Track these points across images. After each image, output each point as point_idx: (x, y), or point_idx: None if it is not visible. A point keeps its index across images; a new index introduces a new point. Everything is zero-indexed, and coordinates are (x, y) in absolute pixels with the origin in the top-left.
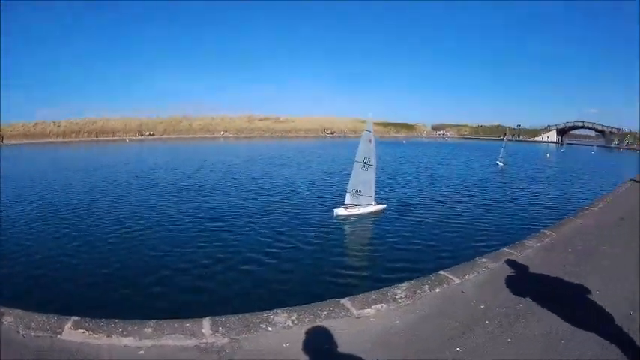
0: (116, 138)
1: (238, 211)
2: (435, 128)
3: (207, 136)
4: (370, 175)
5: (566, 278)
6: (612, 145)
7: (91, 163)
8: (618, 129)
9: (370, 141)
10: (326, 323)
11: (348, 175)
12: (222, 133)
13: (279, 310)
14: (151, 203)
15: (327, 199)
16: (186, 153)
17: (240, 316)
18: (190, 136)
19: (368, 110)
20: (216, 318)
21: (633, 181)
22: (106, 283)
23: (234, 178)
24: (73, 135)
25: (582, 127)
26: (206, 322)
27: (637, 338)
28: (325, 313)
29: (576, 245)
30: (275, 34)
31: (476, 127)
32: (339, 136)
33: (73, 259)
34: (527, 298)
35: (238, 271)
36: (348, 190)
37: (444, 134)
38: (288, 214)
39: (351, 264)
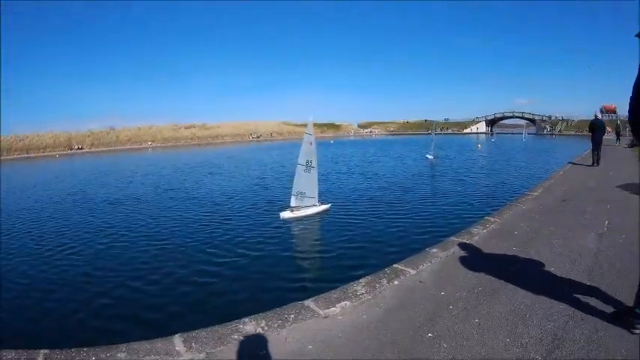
0: (46, 153)
1: (179, 223)
2: (362, 126)
3: (134, 147)
4: (313, 177)
5: (518, 258)
6: (545, 132)
7: (28, 180)
8: (549, 117)
9: (311, 143)
10: (296, 326)
11: (280, 178)
12: (149, 143)
13: (246, 319)
14: (88, 220)
15: (268, 203)
16: (114, 165)
17: (210, 329)
18: (118, 147)
19: (302, 113)
20: (186, 334)
21: (572, 163)
22: (58, 308)
23: (167, 189)
24: (4, 152)
25: (512, 117)
26: (177, 339)
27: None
28: (292, 316)
29: (523, 228)
30: (196, 40)
31: (403, 123)
32: (266, 140)
33: (16, 286)
34: (484, 281)
35: (190, 284)
36: (292, 193)
37: (371, 132)
38: (231, 221)
39: (304, 265)
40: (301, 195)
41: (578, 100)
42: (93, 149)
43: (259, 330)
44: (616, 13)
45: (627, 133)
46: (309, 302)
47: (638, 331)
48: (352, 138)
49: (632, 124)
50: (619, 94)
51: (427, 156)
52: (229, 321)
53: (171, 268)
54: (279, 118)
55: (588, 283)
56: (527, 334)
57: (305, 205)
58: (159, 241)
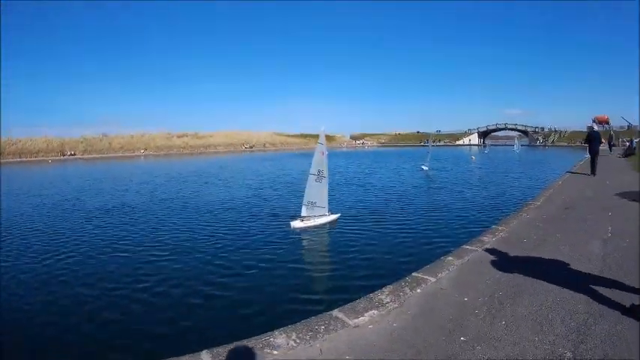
0: (39, 158)
1: (183, 234)
2: (354, 138)
3: (126, 154)
4: (323, 186)
5: (531, 263)
6: (537, 144)
7: (25, 184)
8: (542, 128)
9: (323, 153)
10: (328, 337)
11: (278, 189)
12: (142, 151)
13: (276, 332)
14: (85, 228)
15: (272, 213)
16: (108, 173)
17: (238, 343)
18: (110, 155)
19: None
20: (214, 350)
21: (570, 172)
22: (62, 322)
23: (164, 199)
24: None
25: (504, 129)
26: (205, 355)
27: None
28: (323, 327)
29: (530, 236)
30: (190, 47)
31: (394, 135)
32: (259, 150)
33: (27, 299)
34: (503, 286)
35: (202, 296)
36: (303, 203)
37: (363, 143)
38: (237, 232)
39: (320, 275)
40: (312, 205)
41: (569, 111)
42: (85, 155)
43: (291, 343)
44: (608, 24)
45: (620, 144)
46: (336, 312)
47: None
48: (345, 149)
49: None
50: (610, 105)
51: (422, 167)
52: (256, 335)
53: (179, 279)
54: (272, 129)
55: (600, 283)
56: (552, 332)
57: (315, 214)
58: (163, 252)
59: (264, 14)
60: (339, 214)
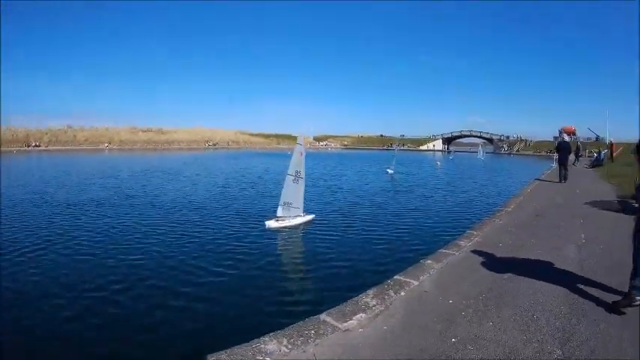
0: (3, 149)
1: (151, 234)
2: (317, 139)
3: (91, 147)
4: (300, 187)
5: (510, 266)
6: (502, 152)
7: None
8: (507, 136)
9: (301, 154)
10: (319, 342)
11: (245, 188)
12: (106, 145)
13: (266, 338)
14: (45, 224)
15: (244, 211)
16: (72, 165)
17: (228, 351)
18: (75, 147)
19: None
20: (209, 356)
21: (539, 180)
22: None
23: (130, 196)
24: None
25: (470, 136)
26: None
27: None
28: (313, 332)
29: (505, 241)
30: (156, 42)
31: (357, 138)
32: (222, 148)
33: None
34: (486, 288)
35: (174, 297)
36: (279, 203)
37: (326, 145)
38: (210, 232)
39: (299, 277)
40: (288, 205)
41: (534, 121)
42: (50, 147)
43: (283, 349)
44: (574, 36)
45: (586, 154)
46: (324, 317)
47: (637, 303)
48: (309, 150)
49: None
50: (576, 115)
51: (388, 170)
52: (245, 342)
53: (149, 283)
54: (236, 127)
55: (580, 284)
56: (539, 332)
57: (291, 215)
58: (130, 254)
59: (233, 14)
60: (313, 215)
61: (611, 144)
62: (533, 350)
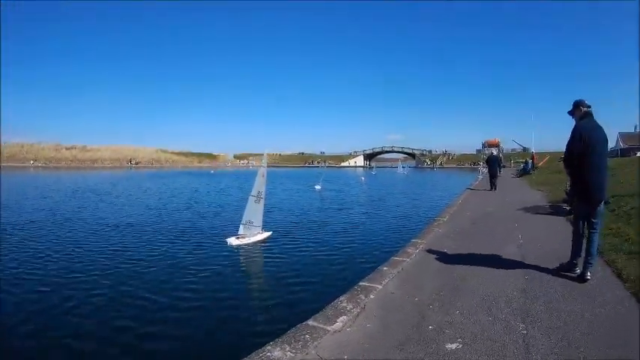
0: None
1: (101, 258)
2: (238, 157)
3: (16, 164)
4: (260, 207)
5: (459, 265)
6: (425, 166)
7: None
8: (429, 151)
9: (263, 175)
10: (317, 344)
11: (178, 209)
12: (31, 162)
13: (268, 346)
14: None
15: (205, 230)
16: None
17: None
18: None
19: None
20: None
21: (470, 189)
22: None
23: (68, 218)
24: None
25: (392, 152)
26: None
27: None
28: (307, 336)
29: (449, 246)
30: (76, 55)
31: (277, 156)
32: (145, 167)
33: None
34: (444, 284)
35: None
36: (241, 222)
37: (248, 163)
38: (168, 254)
39: (267, 290)
40: (249, 224)
41: (455, 135)
42: None
43: (288, 353)
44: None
45: (511, 165)
46: (311, 322)
47: (577, 272)
48: (230, 169)
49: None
50: (501, 129)
51: (315, 187)
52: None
53: (100, 304)
54: (157, 145)
55: (525, 274)
56: (501, 312)
57: (251, 232)
58: (74, 281)
59: (146, 35)
60: (270, 232)
61: (532, 155)
62: (502, 326)
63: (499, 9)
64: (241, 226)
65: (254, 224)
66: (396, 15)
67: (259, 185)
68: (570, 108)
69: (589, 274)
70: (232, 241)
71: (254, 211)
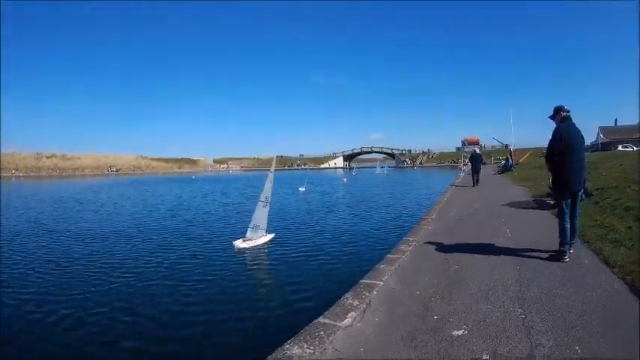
0: None
1: (94, 268)
2: (218, 162)
3: None
4: (266, 211)
5: (454, 259)
6: (405, 165)
7: None
8: (409, 150)
9: (271, 181)
10: (332, 339)
11: (166, 217)
12: (13, 171)
13: (287, 345)
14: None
15: (204, 235)
16: None
17: None
18: None
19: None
20: None
21: (454, 186)
22: None
23: (50, 229)
24: None
25: (371, 152)
26: None
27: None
28: (322, 332)
29: (441, 241)
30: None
31: (256, 159)
32: (126, 173)
33: None
34: (442, 278)
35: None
36: (249, 226)
37: (228, 167)
38: (177, 260)
39: (274, 291)
40: (256, 227)
41: (435, 135)
42: None
43: (307, 350)
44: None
45: (492, 162)
46: (322, 319)
47: (566, 260)
48: (210, 173)
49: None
50: (478, 127)
51: (300, 189)
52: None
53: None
54: (138, 152)
55: (516, 264)
56: (500, 299)
57: (257, 235)
58: (80, 290)
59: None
60: (273, 234)
61: (511, 152)
62: (502, 312)
63: (478, 7)
64: (249, 230)
65: (260, 227)
66: (364, 15)
67: (267, 191)
68: (551, 113)
69: (572, 251)
70: (239, 243)
71: (261, 215)
